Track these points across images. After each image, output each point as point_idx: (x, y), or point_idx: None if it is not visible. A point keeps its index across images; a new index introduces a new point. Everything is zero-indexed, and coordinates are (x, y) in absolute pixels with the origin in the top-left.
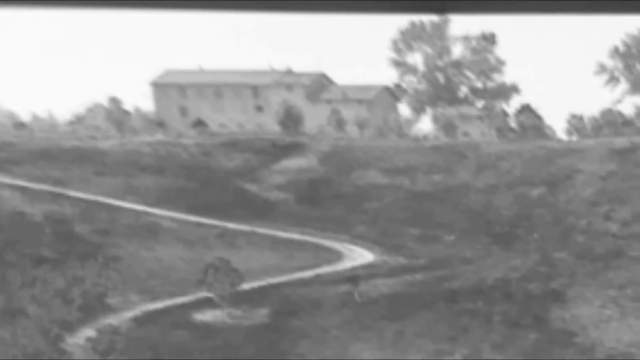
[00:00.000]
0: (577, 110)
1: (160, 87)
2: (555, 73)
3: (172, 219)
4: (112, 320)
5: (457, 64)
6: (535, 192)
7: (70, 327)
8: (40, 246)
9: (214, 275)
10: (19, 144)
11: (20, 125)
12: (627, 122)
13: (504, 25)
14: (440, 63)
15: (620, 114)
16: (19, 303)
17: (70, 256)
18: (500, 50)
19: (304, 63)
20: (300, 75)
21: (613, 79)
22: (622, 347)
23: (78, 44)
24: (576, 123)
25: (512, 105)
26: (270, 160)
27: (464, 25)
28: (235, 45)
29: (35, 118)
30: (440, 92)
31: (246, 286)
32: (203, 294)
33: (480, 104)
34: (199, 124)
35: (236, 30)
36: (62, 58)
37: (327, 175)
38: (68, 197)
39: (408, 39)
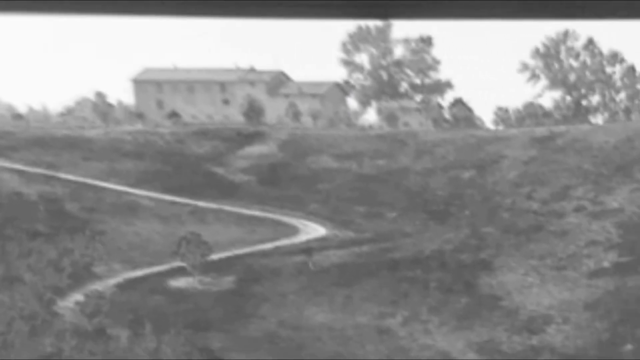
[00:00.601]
0: (503, 104)
1: (140, 84)
2: (484, 71)
3: (150, 198)
4: (97, 286)
5: (398, 63)
6: (467, 174)
7: (61, 292)
8: (35, 222)
9: (186, 247)
10: (16, 133)
11: (17, 116)
12: (546, 114)
13: (439, 29)
14: (383, 62)
15: (540, 106)
16: (16, 271)
17: (61, 230)
18: (436, 51)
19: (265, 62)
20: (261, 73)
21: (534, 76)
22: (542, 310)
23: (68, 44)
24: (502, 114)
25: (446, 99)
26: (236, 147)
27: (404, 29)
28: (205, 46)
29: (31, 110)
30: (383, 87)
31: (214, 257)
32: (177, 263)
33: (418, 98)
34: (174, 115)
35: (206, 33)
36: (54, 57)
37: (285, 160)
38: (59, 179)
39: (355, 41)
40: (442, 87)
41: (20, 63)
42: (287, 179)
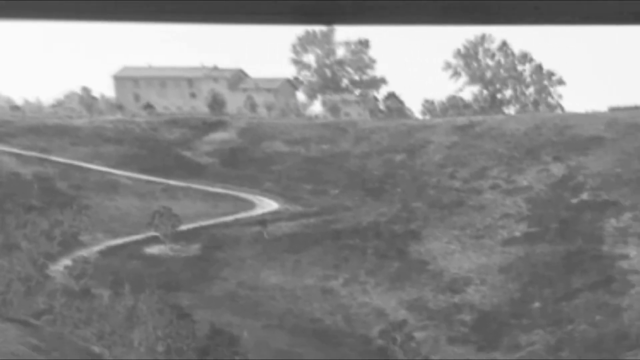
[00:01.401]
0: (430, 97)
1: (119, 80)
2: (413, 69)
3: (128, 178)
4: (83, 252)
5: (340, 62)
6: (398, 157)
7: (52, 258)
8: (30, 197)
9: (159, 219)
10: (14, 122)
11: (15, 107)
12: (466, 106)
13: (375, 33)
14: (327, 61)
15: (461, 99)
16: (14, 240)
17: (53, 205)
18: (372, 52)
19: (226, 62)
20: (223, 70)
21: (456, 74)
22: (462, 273)
23: (59, 46)
24: (429, 106)
25: (381, 93)
26: (201, 134)
27: (345, 33)
28: (175, 48)
29: (27, 102)
30: (327, 83)
31: (183, 227)
32: (151, 233)
33: (357, 92)
34: (148, 107)
35: (176, 37)
36: (47, 57)
37: (243, 145)
38: (51, 161)
39: (304, 43)
40: (377, 82)
41: (17, 62)
42: (245, 161)
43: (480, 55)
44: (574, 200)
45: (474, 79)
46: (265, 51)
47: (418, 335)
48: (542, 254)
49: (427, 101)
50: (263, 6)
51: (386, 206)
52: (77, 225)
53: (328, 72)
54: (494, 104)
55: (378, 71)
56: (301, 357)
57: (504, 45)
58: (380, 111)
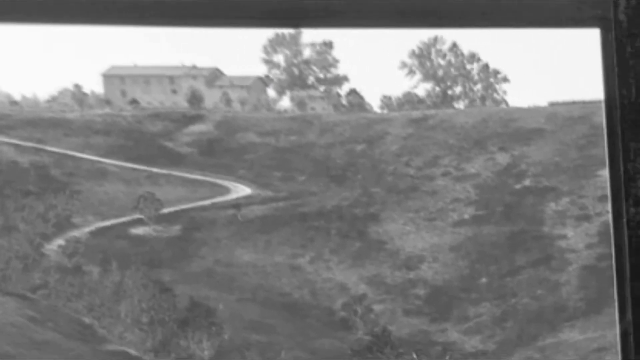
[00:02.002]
0: (387, 93)
1: (108, 77)
2: (373, 67)
3: (115, 166)
4: (75, 233)
5: (307, 62)
6: (359, 147)
7: (47, 238)
8: (27, 183)
9: (143, 203)
10: (12, 115)
11: (13, 102)
12: (420, 101)
13: (338, 35)
14: (295, 61)
15: (416, 95)
16: (13, 222)
17: (47, 190)
18: (336, 52)
19: (204, 61)
20: (201, 69)
21: (411, 72)
22: (417, 251)
23: (53, 46)
24: (386, 101)
25: (343, 89)
26: (181, 126)
27: (311, 35)
28: (158, 49)
29: (24, 98)
30: (295, 80)
31: (165, 210)
32: (136, 215)
33: (322, 88)
34: (134, 102)
35: (159, 38)
36: (42, 56)
37: (219, 136)
38: (46, 151)
39: (274, 44)
40: (340, 80)
41: (15, 61)
42: (221, 151)
43: (433, 56)
44: (517, 186)
45: (427, 77)
46: (239, 52)
47: (377, 307)
48: (488, 235)
49: (385, 97)
50: (237, 11)
51: (348, 191)
52: (69, 208)
53: (296, 71)
54: (445, 100)
55: (341, 70)
56: (272, 327)
57: (454, 46)
58: (343, 106)
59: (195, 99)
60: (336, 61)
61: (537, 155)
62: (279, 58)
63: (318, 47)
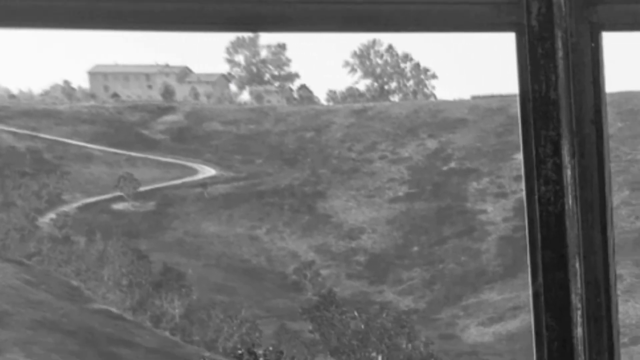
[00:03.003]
0: (332, 87)
1: (93, 74)
2: (320, 66)
3: (99, 150)
4: (65, 208)
5: (264, 61)
6: (308, 135)
7: (41, 212)
8: (24, 166)
9: (123, 182)
10: (11, 107)
11: (12, 96)
12: (361, 95)
13: (291, 38)
14: (253, 60)
15: (357, 89)
16: (11, 198)
17: (41, 171)
18: (288, 53)
19: (175, 60)
20: (173, 67)
21: (353, 70)
22: (358, 224)
23: (47, 46)
24: (332, 95)
25: (295, 85)
26: (156, 117)
27: (267, 38)
28: (136, 49)
29: (21, 92)
30: (253, 77)
31: (142, 189)
32: (117, 193)
33: (276, 84)
34: (115, 95)
35: (137, 40)
36: (37, 55)
37: (188, 125)
38: (40, 138)
39: (235, 46)
40: (292, 77)
41: (12, 59)
42: (190, 138)
43: (372, 56)
44: (444, 168)
45: (366, 74)
46: (206, 52)
47: (323, 272)
48: (419, 210)
49: (330, 91)
50: (203, 17)
51: (299, 172)
52: (60, 187)
53: (254, 69)
54: (382, 94)
55: (293, 68)
56: (233, 289)
57: (390, 48)
58: (294, 99)
59: (167, 93)
60: (289, 60)
61: (461, 141)
62: (240, 58)
63: (273, 49)
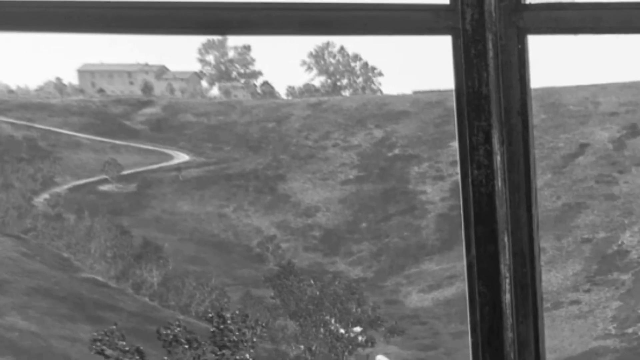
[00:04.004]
0: (291, 84)
1: (82, 72)
2: (280, 64)
3: (87, 139)
4: (57, 189)
5: (231, 61)
6: (270, 125)
7: (36, 193)
8: (21, 152)
9: (108, 167)
10: (10, 101)
11: (10, 91)
12: (316, 90)
13: (255, 40)
14: (222, 60)
15: (313, 86)
16: (10, 181)
17: (36, 157)
18: (253, 53)
19: (154, 59)
20: (152, 66)
21: (309, 68)
22: (314, 203)
23: (41, 46)
24: (291, 90)
25: (258, 81)
26: (137, 109)
27: (234, 41)
28: (119, 50)
29: (18, 87)
30: (222, 75)
31: (124, 172)
32: (103, 176)
33: (242, 81)
34: (101, 91)
35: (120, 42)
36: (33, 55)
37: (165, 117)
38: (35, 128)
39: (206, 47)
40: (256, 74)
41: (11, 59)
42: (167, 128)
43: (326, 56)
44: (389, 154)
45: (321, 72)
46: (180, 53)
47: (283, 245)
48: (367, 191)
49: (289, 87)
50: (178, 22)
51: (262, 158)
52: (52, 171)
53: (223, 67)
54: (334, 89)
55: (256, 66)
56: (204, 260)
57: (341, 49)
58: (258, 94)
59: (147, 88)
60: (253, 60)
61: (404, 130)
62: (210, 58)
63: (239, 50)
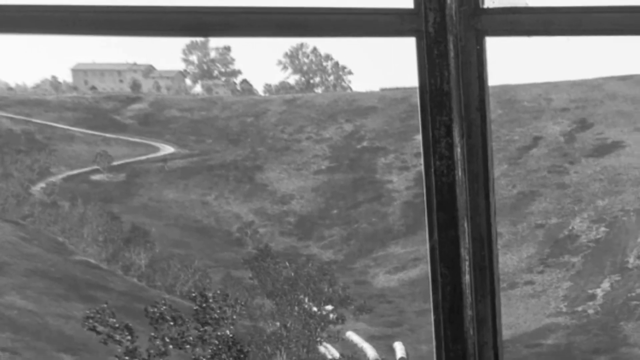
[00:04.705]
0: (268, 82)
1: (75, 71)
2: (258, 64)
3: (81, 132)
4: (52, 179)
5: (213, 60)
6: (249, 120)
7: (33, 182)
8: (19, 144)
9: (100, 158)
10: (9, 97)
11: (10, 88)
12: (291, 87)
13: (235, 42)
14: (205, 60)
15: (288, 83)
16: (9, 171)
17: (33, 149)
18: (233, 53)
19: (142, 59)
20: (140, 65)
21: (285, 67)
22: (289, 192)
23: (37, 46)
24: (268, 88)
25: (238, 79)
26: (126, 105)
27: (215, 42)
28: (109, 51)
29: (17, 85)
30: (204, 73)
31: (114, 163)
32: (95, 167)
33: (223, 79)
34: (93, 88)
35: (110, 43)
36: (29, 55)
37: (152, 112)
38: (32, 122)
39: (190, 48)
40: (235, 73)
41: (9, 58)
42: (154, 122)
43: (300, 56)
44: (358, 146)
45: (296, 70)
46: (166, 53)
47: (261, 230)
48: (338, 180)
49: (266, 84)
50: (163, 25)
51: (241, 150)
52: (48, 162)
53: (205, 67)
54: (308, 87)
55: (236, 66)
56: (188, 244)
57: (314, 49)
58: (238, 91)
59: (135, 86)
60: (233, 60)
61: (372, 125)
62: (194, 58)
63: (220, 50)
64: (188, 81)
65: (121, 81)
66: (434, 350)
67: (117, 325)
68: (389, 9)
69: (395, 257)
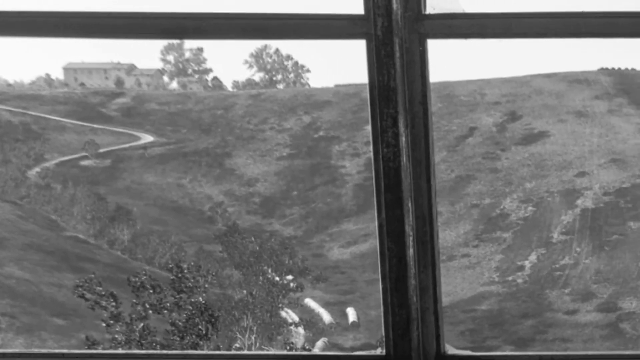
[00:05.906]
0: (236, 79)
1: (66, 69)
2: (227, 63)
3: (71, 123)
4: (47, 164)
5: (187, 60)
6: (219, 112)
7: (29, 167)
8: (17, 134)
9: (88, 145)
10: (8, 92)
11: (9, 84)
12: (256, 84)
13: (206, 43)
14: (180, 59)
15: (253, 80)
16: (8, 157)
17: (29, 138)
18: (205, 54)
19: (125, 59)
20: (123, 64)
21: (250, 66)
22: (254, 175)
23: (34, 48)
24: (236, 84)
25: (210, 77)
26: (111, 99)
27: (190, 44)
28: (96, 51)
29: (15, 81)
30: (180, 72)
31: (101, 150)
32: (84, 153)
33: (196, 76)
34: (82, 84)
35: (97, 44)
36: (27, 55)
37: (135, 105)
38: (29, 114)
39: (168, 49)
40: (207, 71)
41: (9, 58)
42: (135, 114)
43: (264, 56)
44: (315, 136)
45: (260, 69)
46: (146, 53)
47: (230, 209)
48: (298, 165)
49: (235, 81)
50: (144, 29)
51: (212, 139)
52: (43, 149)
53: (180, 66)
54: (271, 83)
55: (208, 65)
56: (165, 221)
57: (277, 50)
58: (209, 87)
59: (119, 82)
60: (205, 59)
61: (327, 116)
62: (170, 57)
63: (194, 51)
64: (165, 78)
65: (107, 78)
66: (382, 315)
67: (103, 293)
68: (342, 14)
69: (348, 233)
